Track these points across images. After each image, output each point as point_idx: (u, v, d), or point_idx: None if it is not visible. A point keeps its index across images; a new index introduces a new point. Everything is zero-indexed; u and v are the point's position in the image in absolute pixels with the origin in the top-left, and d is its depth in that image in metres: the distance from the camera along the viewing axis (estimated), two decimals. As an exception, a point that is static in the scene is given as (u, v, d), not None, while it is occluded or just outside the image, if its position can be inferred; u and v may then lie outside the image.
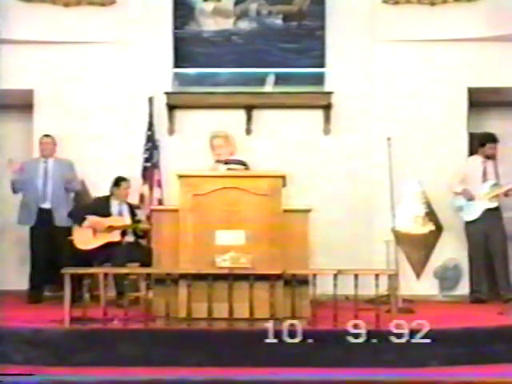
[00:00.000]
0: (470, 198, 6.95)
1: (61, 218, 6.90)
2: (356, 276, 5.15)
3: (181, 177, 5.32)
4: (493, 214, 6.94)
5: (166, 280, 5.14)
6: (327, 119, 7.51)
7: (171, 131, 7.58)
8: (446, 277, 7.35)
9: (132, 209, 7.02)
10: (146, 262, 5.78)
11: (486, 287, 7.00)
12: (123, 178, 7.00)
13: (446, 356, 4.83)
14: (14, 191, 7.00)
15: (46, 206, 6.95)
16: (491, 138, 7.10)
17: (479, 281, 7.02)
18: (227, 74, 7.58)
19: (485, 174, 7.01)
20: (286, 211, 5.28)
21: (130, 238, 6.87)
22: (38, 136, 7.35)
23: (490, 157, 7.05)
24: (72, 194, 7.21)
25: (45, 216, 6.91)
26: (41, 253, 6.91)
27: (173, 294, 5.15)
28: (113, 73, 7.57)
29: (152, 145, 7.39)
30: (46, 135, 7.15)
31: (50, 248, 6.88)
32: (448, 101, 7.49)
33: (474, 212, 6.96)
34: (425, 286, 7.34)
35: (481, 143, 7.15)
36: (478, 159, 7.13)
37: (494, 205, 6.93)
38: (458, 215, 7.12)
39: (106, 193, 7.01)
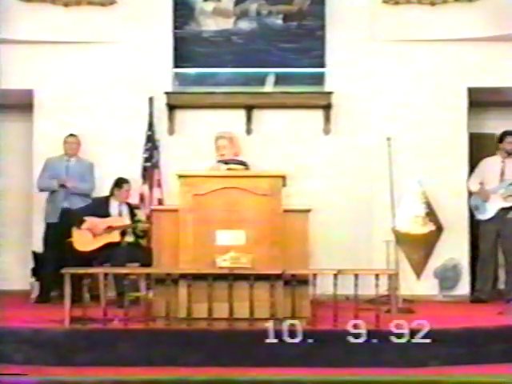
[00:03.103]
0: (485, 199, 6.94)
1: None
2: (356, 276, 5.15)
3: (181, 177, 5.32)
4: (507, 213, 6.91)
5: (166, 280, 5.14)
6: (327, 119, 7.51)
7: (171, 131, 7.58)
8: (446, 277, 7.34)
9: (131, 209, 7.01)
10: (146, 262, 5.78)
11: (489, 287, 6.98)
12: (125, 180, 6.98)
13: (446, 356, 4.84)
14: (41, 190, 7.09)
15: (65, 205, 6.95)
16: (510, 132, 7.09)
17: (484, 280, 6.99)
18: (227, 74, 7.58)
19: (503, 173, 7.00)
20: (286, 211, 5.28)
21: (129, 238, 6.86)
22: (38, 136, 7.37)
23: (510, 152, 7.02)
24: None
25: (64, 215, 6.90)
26: (53, 252, 6.88)
27: (173, 294, 5.15)
28: (113, 73, 7.57)
29: (152, 145, 7.39)
30: (72, 135, 7.16)
31: (62, 247, 6.86)
32: (448, 101, 7.48)
33: (488, 211, 6.94)
34: (425, 286, 7.34)
35: (500, 139, 7.12)
36: (497, 159, 7.10)
37: (508, 204, 6.90)
38: (474, 214, 7.09)
39: (106, 193, 7.01)
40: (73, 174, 7.04)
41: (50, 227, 6.98)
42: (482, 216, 7.00)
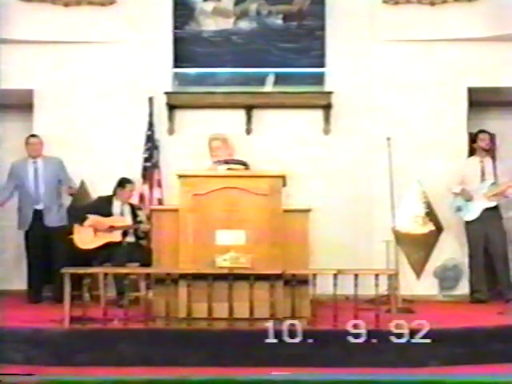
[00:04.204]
0: (469, 198, 6.96)
1: (51, 219, 6.89)
2: (356, 276, 5.15)
3: (181, 177, 5.32)
4: (492, 213, 6.95)
5: (166, 280, 5.15)
6: (327, 119, 7.51)
7: (171, 131, 7.58)
8: (446, 277, 7.34)
9: (134, 209, 7.01)
10: (146, 262, 5.78)
11: (486, 287, 7.00)
12: (128, 180, 6.99)
13: (446, 356, 4.84)
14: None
15: (40, 207, 6.93)
16: (481, 131, 7.16)
17: (479, 281, 7.02)
18: (227, 74, 7.57)
19: (483, 173, 7.02)
20: (286, 211, 5.28)
21: (130, 239, 6.87)
22: (38, 136, 7.36)
23: (486, 150, 7.05)
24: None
25: (39, 217, 6.90)
26: (36, 254, 6.91)
27: (173, 294, 5.15)
28: (113, 73, 7.57)
29: (152, 145, 7.39)
30: (33, 135, 7.13)
31: (45, 249, 6.87)
32: (448, 101, 7.48)
33: (473, 212, 6.96)
34: (425, 286, 7.34)
35: (473, 140, 7.19)
36: (475, 159, 7.14)
37: (492, 204, 6.93)
38: (457, 216, 7.11)
39: (106, 193, 7.01)
40: (43, 175, 6.97)
41: (27, 232, 6.97)
42: (467, 217, 7.01)
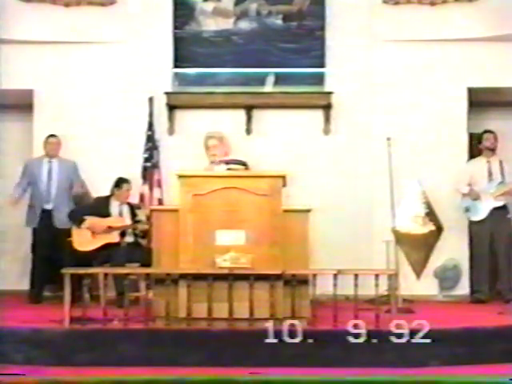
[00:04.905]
0: (476, 198, 6.96)
1: (61, 220, 6.88)
2: (356, 276, 5.15)
3: (181, 177, 5.32)
4: (500, 213, 6.93)
5: (166, 280, 5.14)
6: (327, 119, 7.51)
7: (171, 131, 7.59)
8: (446, 277, 7.35)
9: (133, 209, 7.01)
10: (146, 262, 5.77)
11: (486, 287, 7.00)
12: (125, 180, 6.98)
13: (446, 356, 4.84)
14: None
15: (49, 206, 6.94)
16: (486, 130, 7.22)
17: (480, 281, 7.02)
18: (227, 74, 7.58)
19: (490, 173, 7.04)
20: (286, 211, 5.28)
21: (129, 239, 6.86)
22: (38, 136, 7.35)
23: (491, 149, 7.08)
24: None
25: (47, 217, 6.90)
26: (42, 254, 6.91)
27: (173, 294, 5.15)
28: (113, 73, 7.57)
29: (152, 145, 7.39)
30: (52, 135, 7.13)
31: (51, 249, 6.88)
32: (448, 101, 7.48)
33: (481, 212, 6.97)
34: (425, 286, 7.34)
35: (479, 140, 7.24)
36: (482, 160, 7.16)
37: (500, 203, 6.94)
38: (465, 216, 7.11)
39: (106, 193, 7.00)
40: (56, 176, 7.00)
41: (35, 230, 6.99)
42: (475, 217, 7.02)
